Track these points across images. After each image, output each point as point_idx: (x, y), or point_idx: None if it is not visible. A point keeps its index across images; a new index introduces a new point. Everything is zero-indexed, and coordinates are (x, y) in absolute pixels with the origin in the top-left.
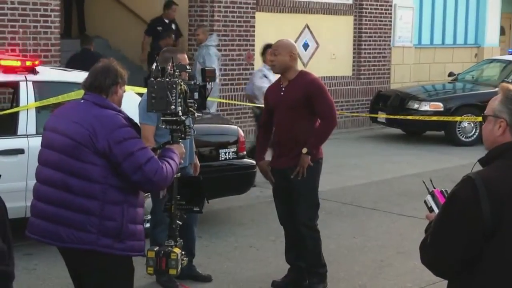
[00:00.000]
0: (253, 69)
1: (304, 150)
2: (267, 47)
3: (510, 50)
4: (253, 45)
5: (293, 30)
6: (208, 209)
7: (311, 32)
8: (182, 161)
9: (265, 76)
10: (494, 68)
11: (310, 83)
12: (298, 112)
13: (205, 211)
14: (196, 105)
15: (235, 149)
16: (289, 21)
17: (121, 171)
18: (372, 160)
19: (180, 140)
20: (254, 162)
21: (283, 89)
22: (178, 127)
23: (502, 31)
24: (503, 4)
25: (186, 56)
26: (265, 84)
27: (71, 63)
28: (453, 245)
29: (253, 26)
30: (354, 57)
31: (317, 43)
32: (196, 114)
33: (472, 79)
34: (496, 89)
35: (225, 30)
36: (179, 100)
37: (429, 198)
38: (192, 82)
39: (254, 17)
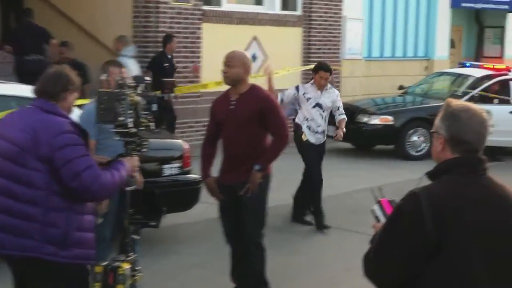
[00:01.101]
0: (198, 82)
1: (257, 167)
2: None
3: (466, 64)
4: (200, 57)
5: (241, 42)
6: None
7: (259, 44)
8: (136, 175)
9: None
10: (444, 81)
11: (264, 99)
12: (249, 128)
13: (147, 228)
14: (153, 118)
15: (180, 164)
16: (237, 32)
17: (60, 178)
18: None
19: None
20: (199, 177)
21: (233, 103)
22: (132, 139)
23: (452, 44)
24: (453, 17)
25: (122, 70)
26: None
27: (15, 38)
28: (395, 259)
29: (199, 38)
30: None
31: (265, 55)
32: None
33: (422, 92)
34: None
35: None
36: (130, 111)
37: (376, 208)
38: (151, 94)
39: (200, 28)
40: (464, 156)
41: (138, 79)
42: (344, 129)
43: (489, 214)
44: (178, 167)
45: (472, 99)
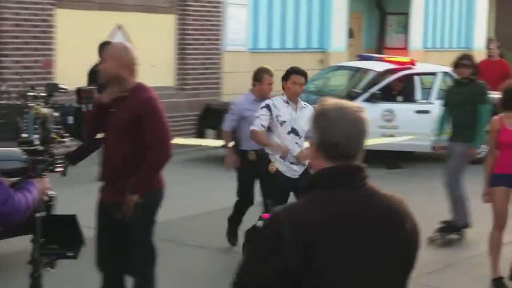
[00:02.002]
0: (51, 79)
1: (128, 189)
2: None
3: (359, 55)
4: (53, 49)
5: (103, 31)
6: None
7: (124, 34)
8: (46, 198)
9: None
10: (341, 76)
11: (143, 102)
12: (128, 138)
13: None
14: (69, 132)
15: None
16: (98, 20)
17: None
18: (201, 187)
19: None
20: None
21: (114, 105)
22: (41, 157)
23: (351, 34)
24: (351, 2)
25: None
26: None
27: None
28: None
29: (52, 26)
30: (177, 64)
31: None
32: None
33: (316, 89)
34: None
35: (17, 31)
36: (35, 126)
37: (260, 223)
38: (67, 105)
39: (53, 15)
40: (336, 166)
41: (50, 87)
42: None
43: (362, 232)
44: None
45: (373, 96)
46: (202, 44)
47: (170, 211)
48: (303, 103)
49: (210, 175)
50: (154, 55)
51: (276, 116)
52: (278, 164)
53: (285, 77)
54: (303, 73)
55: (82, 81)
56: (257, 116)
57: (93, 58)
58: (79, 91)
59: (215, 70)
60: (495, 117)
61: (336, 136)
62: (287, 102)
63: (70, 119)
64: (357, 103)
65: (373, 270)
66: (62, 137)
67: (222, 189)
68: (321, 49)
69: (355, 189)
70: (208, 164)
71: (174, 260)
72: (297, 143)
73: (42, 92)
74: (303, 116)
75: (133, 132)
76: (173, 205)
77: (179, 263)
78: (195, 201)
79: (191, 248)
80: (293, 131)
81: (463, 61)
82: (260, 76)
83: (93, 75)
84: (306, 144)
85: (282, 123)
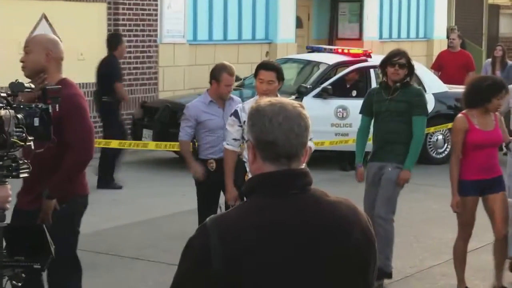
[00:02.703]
0: None
1: (45, 193)
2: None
3: (309, 47)
4: None
5: (26, 21)
6: None
7: (50, 25)
8: (8, 206)
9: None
10: (290, 69)
11: (66, 98)
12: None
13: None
14: (36, 134)
15: None
16: (21, 9)
17: None
18: (135, 194)
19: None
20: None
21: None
22: (1, 163)
23: (299, 23)
24: None
25: None
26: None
27: None
28: None
29: None
30: None
31: (58, 38)
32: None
33: None
34: (293, 97)
35: None
36: None
37: None
38: (33, 105)
39: None
40: (273, 172)
41: (15, 87)
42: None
43: (298, 244)
44: None
45: (325, 92)
46: (136, 35)
47: (101, 221)
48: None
49: (145, 180)
50: (83, 48)
51: (244, 122)
52: None
53: (255, 74)
54: (272, 67)
55: (4, 78)
56: (226, 128)
57: (15, 52)
58: (44, 91)
59: (151, 64)
60: (460, 115)
61: (272, 133)
62: None
63: (36, 121)
64: (296, 101)
65: (311, 284)
66: (25, 140)
67: (160, 195)
68: (267, 40)
69: (294, 196)
70: (143, 167)
71: (107, 274)
72: None
73: (3, 92)
74: None
75: (55, 133)
76: (104, 215)
77: (113, 277)
78: (131, 208)
79: (127, 260)
80: None
81: (396, 59)
82: (217, 74)
83: (103, 69)
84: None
85: None
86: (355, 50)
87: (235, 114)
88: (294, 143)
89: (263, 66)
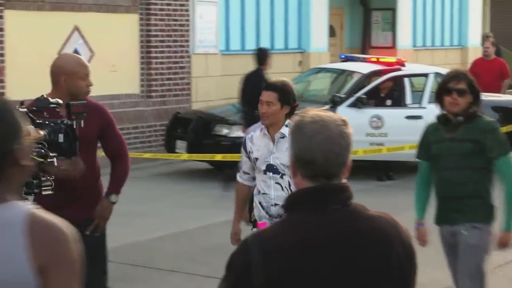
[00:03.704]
0: (2, 87)
1: (112, 199)
2: None
3: (342, 56)
4: (3, 56)
5: (58, 33)
6: None
7: (82, 37)
8: None
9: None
10: (323, 79)
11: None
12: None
13: None
14: (60, 151)
15: None
16: (52, 21)
17: None
18: (170, 205)
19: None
20: None
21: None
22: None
23: (332, 32)
24: None
25: None
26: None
27: None
28: None
29: (2, 29)
30: (142, 69)
31: (91, 50)
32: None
33: (296, 94)
34: (327, 107)
35: None
36: None
37: (255, 230)
38: (59, 121)
39: (2, 17)
40: (313, 187)
41: (40, 103)
42: None
43: (339, 260)
44: None
45: (359, 101)
46: (169, 46)
47: (136, 233)
48: (284, 131)
49: (180, 190)
50: (116, 60)
51: (249, 153)
52: (256, 214)
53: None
54: (273, 88)
55: (35, 91)
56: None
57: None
58: (68, 106)
59: (184, 75)
60: None
61: (313, 153)
62: (264, 132)
63: (61, 137)
64: (341, 116)
65: None
66: (45, 157)
67: (195, 207)
68: (300, 50)
69: (335, 211)
70: (177, 178)
71: (143, 286)
72: (279, 184)
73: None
74: (281, 147)
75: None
76: (138, 226)
77: None
78: (165, 220)
79: (163, 273)
80: (270, 168)
81: (453, 84)
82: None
83: (249, 80)
84: None
85: (255, 160)
86: (388, 59)
87: (243, 143)
88: (333, 163)
89: (265, 85)
